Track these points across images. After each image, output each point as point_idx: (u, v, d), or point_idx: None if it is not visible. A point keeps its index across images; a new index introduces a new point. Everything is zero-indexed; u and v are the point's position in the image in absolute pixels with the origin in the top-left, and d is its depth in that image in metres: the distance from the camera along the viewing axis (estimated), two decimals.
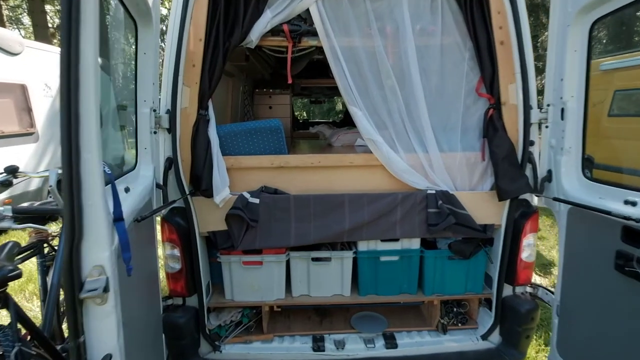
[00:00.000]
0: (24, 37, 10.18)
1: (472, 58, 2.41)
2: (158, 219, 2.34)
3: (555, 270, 3.99)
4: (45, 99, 6.42)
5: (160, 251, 2.36)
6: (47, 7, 12.14)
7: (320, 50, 2.48)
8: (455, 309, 2.58)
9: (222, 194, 2.28)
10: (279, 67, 4.32)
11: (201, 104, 2.31)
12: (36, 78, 6.22)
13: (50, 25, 12.24)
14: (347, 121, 4.49)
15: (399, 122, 2.42)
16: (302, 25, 2.43)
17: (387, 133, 2.42)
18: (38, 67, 6.30)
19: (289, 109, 5.16)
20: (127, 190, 1.78)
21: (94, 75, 1.11)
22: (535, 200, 2.39)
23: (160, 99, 2.28)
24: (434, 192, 2.36)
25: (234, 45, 2.32)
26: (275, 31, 2.42)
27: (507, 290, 2.40)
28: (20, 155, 5.66)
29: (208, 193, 2.28)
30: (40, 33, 10.78)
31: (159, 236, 2.31)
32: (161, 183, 2.24)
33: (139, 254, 1.82)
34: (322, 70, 5.59)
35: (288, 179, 2.43)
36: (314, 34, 2.41)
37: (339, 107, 13.33)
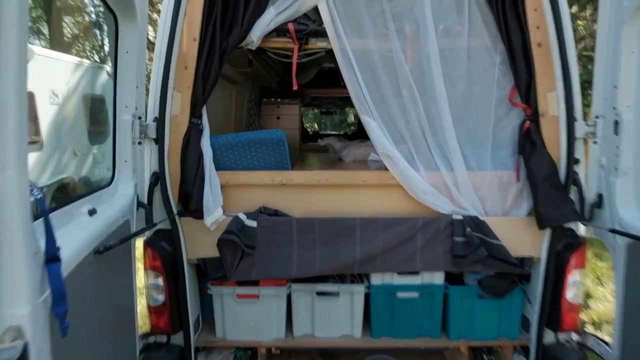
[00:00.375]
0: (43, 47, 10.24)
1: (504, 62, 2.08)
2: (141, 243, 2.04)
3: (594, 304, 3.56)
4: (51, 107, 6.28)
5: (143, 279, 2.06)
6: (66, 19, 12.27)
7: (330, 55, 2.19)
8: (485, 357, 2.20)
9: (214, 215, 1.98)
10: (287, 75, 4.06)
11: (194, 112, 2.03)
12: (44, 86, 6.09)
13: (67, 35, 12.37)
14: (359, 133, 4.18)
15: (419, 134, 2.09)
16: (309, 24, 2.15)
17: (405, 147, 2.10)
18: (46, 74, 6.18)
19: (297, 120, 4.88)
20: (92, 212, 1.49)
21: (15, 67, 0.83)
22: (582, 230, 2.03)
23: (147, 105, 2.01)
24: (460, 217, 2.02)
25: (233, 45, 2.04)
26: (280, 31, 2.14)
27: (549, 336, 2.02)
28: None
29: (198, 214, 1.98)
30: (57, 43, 10.85)
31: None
32: (145, 201, 1.95)
33: (105, 290, 1.51)
34: (334, 79, 5.32)
35: (291, 198, 2.12)
36: (323, 34, 2.13)
37: (351, 118, 13.07)
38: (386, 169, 2.09)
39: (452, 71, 2.07)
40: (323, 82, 5.18)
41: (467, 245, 1.99)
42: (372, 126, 2.07)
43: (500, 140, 2.11)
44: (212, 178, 2.03)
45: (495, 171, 2.07)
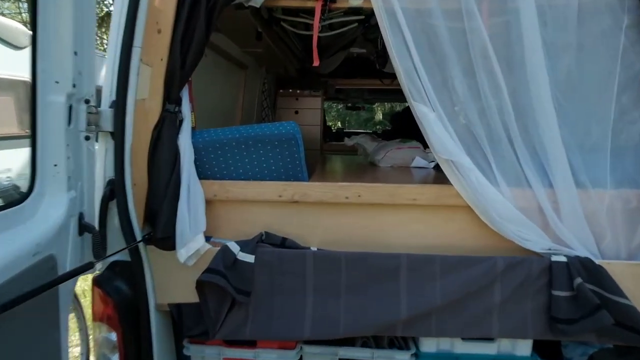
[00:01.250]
0: None
1: (635, 25, 1.36)
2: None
3: None
4: None
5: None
6: None
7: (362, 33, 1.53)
8: None
9: (192, 245, 1.35)
10: (308, 58, 3.39)
11: (169, 95, 1.41)
12: None
13: None
14: (395, 132, 3.47)
15: (501, 133, 1.40)
16: None
17: (478, 151, 1.42)
18: None
19: (319, 115, 4.23)
20: None
21: None
22: None
23: (102, 85, 1.39)
24: (564, 259, 1.32)
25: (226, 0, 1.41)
26: None
27: None
28: (15, 159, 5.05)
29: (167, 244, 1.36)
30: None
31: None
32: (95, 224, 1.34)
33: None
34: (362, 68, 4.65)
35: (305, 222, 1.47)
36: None
37: (379, 116, 12.28)
38: (447, 182, 1.41)
39: (554, 39, 1.37)
40: (350, 71, 4.51)
41: (576, 304, 1.29)
42: (430, 119, 1.39)
43: (626, 144, 1.39)
44: (193, 190, 1.40)
45: (618, 190, 1.36)
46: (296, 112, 4.21)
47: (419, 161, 2.07)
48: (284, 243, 1.44)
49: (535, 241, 1.37)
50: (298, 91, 4.19)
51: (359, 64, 4.47)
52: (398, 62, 1.40)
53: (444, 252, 1.39)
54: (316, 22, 1.54)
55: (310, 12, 1.78)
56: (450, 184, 1.40)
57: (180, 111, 1.44)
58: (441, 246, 1.42)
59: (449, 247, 1.42)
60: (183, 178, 1.38)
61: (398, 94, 5.57)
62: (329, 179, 1.71)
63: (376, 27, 2.42)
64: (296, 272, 1.38)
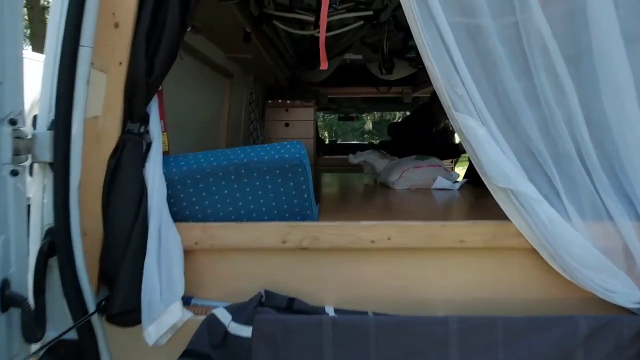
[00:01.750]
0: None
1: None
2: None
3: None
4: None
5: None
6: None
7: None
8: None
9: (164, 320, 0.97)
10: (300, 65, 3.07)
11: (131, 110, 1.05)
12: None
13: None
14: (397, 144, 3.13)
15: (570, 150, 1.08)
16: None
17: (541, 175, 1.09)
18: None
19: (312, 128, 3.90)
20: None
21: None
22: None
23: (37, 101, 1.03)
24: None
25: None
26: None
27: None
28: None
29: (130, 318, 0.98)
30: (39, 43, 10.01)
31: None
32: (29, 293, 0.96)
33: None
34: (356, 75, 4.35)
35: (318, 274, 1.11)
36: None
37: (368, 126, 12.02)
38: (495, 212, 1.08)
39: (636, 27, 1.06)
40: (343, 80, 4.21)
41: None
42: (479, 135, 1.06)
43: None
44: (165, 238, 1.03)
45: None
46: (286, 125, 3.87)
47: (441, 182, 1.74)
48: (291, 306, 1.08)
49: (624, 293, 1.04)
50: (288, 101, 3.85)
51: (353, 72, 4.18)
52: (434, 62, 1.07)
53: (502, 310, 1.06)
54: (324, 14, 1.20)
55: (306, 8, 1.45)
56: (508, 220, 1.07)
57: (147, 132, 1.08)
58: (498, 302, 1.09)
59: (508, 303, 1.08)
60: (152, 222, 1.01)
61: (395, 103, 5.33)
62: (342, 212, 1.36)
63: (384, 25, 2.14)
64: (310, 347, 1.02)
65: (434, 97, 2.96)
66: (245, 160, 1.07)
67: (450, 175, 1.80)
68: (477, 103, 1.07)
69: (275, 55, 2.66)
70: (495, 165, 1.05)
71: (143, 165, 1.05)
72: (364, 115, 8.89)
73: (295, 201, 1.11)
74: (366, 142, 5.98)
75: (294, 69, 3.43)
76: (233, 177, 1.08)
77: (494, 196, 1.09)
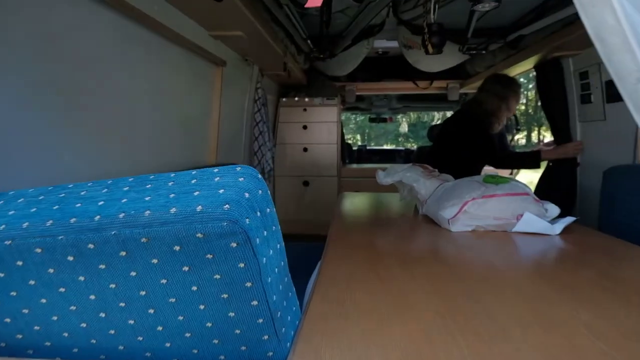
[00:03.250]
0: None
1: None
2: None
3: None
4: None
5: None
6: None
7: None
8: None
9: None
10: (321, 49, 2.41)
11: None
12: None
13: None
14: (444, 151, 2.35)
15: None
16: None
17: None
18: None
19: (336, 130, 3.23)
20: None
21: None
22: None
23: None
24: None
25: None
26: None
27: None
28: None
29: None
30: None
31: None
32: None
33: None
34: (389, 69, 3.65)
35: None
36: None
37: (404, 128, 11.11)
38: None
39: None
40: (373, 74, 3.52)
41: None
42: None
43: None
44: None
45: None
46: (304, 127, 3.23)
47: (531, 222, 1.03)
48: None
49: None
50: (307, 99, 3.21)
51: (386, 63, 3.48)
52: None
53: None
54: None
55: None
56: None
57: None
58: None
59: None
60: None
61: (437, 101, 4.51)
62: (350, 307, 0.68)
63: None
64: None
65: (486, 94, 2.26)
66: (105, 219, 0.42)
67: (543, 208, 1.09)
68: None
69: (279, 36, 2.03)
70: None
71: None
72: (399, 116, 8.07)
73: (234, 316, 0.45)
74: (401, 148, 5.18)
75: (312, 59, 2.78)
76: (61, 257, 0.43)
77: None
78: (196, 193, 0.41)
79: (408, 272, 0.80)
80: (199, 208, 0.39)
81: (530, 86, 9.02)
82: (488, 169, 3.18)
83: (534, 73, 2.52)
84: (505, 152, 2.11)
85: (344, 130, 4.11)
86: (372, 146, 6.07)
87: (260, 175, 0.47)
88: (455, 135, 2.11)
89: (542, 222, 1.05)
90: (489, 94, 2.04)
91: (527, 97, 10.91)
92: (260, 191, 0.45)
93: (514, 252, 0.99)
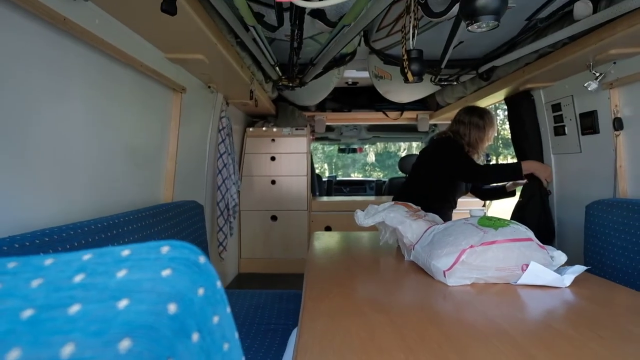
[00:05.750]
0: None
1: None
2: None
3: None
4: None
5: None
6: None
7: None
8: None
9: None
10: (290, 77, 2.27)
11: None
12: None
13: None
14: (417, 183, 2.19)
15: None
16: None
17: None
18: None
19: (306, 162, 3.08)
20: None
21: None
22: None
23: None
24: None
25: None
26: None
27: None
28: None
29: None
30: None
31: None
32: None
33: None
34: (360, 98, 3.58)
35: None
36: None
37: (371, 157, 11.14)
38: None
39: None
40: (343, 103, 3.43)
41: None
42: None
43: None
44: None
45: None
46: (272, 159, 3.04)
47: (538, 273, 0.88)
48: None
49: None
50: (275, 129, 3.05)
51: (355, 94, 3.41)
52: None
53: None
54: None
55: None
56: None
57: None
58: None
59: None
60: None
61: (407, 131, 4.47)
62: None
63: None
64: None
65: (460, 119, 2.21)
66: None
67: (548, 256, 0.95)
68: None
69: (245, 62, 1.87)
70: None
71: None
72: (366, 146, 8.09)
73: None
74: (372, 179, 5.06)
75: (280, 88, 2.65)
76: None
77: None
78: (73, 310, 0.22)
79: (403, 342, 0.62)
80: (67, 350, 0.20)
81: None
82: (466, 201, 3.10)
83: (500, 104, 2.52)
84: (485, 164, 2.02)
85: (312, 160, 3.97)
86: (341, 176, 5.95)
87: (202, 258, 0.28)
88: (434, 155, 2.04)
89: (550, 272, 0.91)
90: (466, 126, 1.98)
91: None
92: (201, 290, 0.26)
93: (522, 309, 0.84)
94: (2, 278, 0.25)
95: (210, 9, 1.29)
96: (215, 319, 0.28)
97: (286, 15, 1.50)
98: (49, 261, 0.27)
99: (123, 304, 0.22)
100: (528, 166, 1.94)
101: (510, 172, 1.96)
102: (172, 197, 1.73)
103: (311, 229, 3.03)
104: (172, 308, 0.23)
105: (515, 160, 2.27)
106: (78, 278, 0.25)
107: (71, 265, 0.26)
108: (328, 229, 3.05)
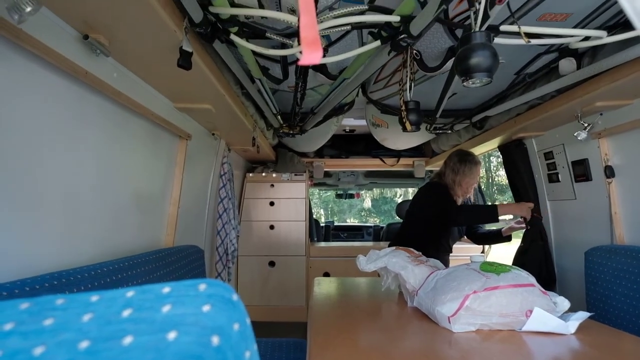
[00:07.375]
0: None
1: None
2: None
3: None
4: None
5: None
6: None
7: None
8: None
9: None
10: (291, 125, 2.36)
11: None
12: None
13: None
14: (414, 228, 2.21)
15: None
16: None
17: None
18: None
19: (304, 207, 3.10)
20: None
21: None
22: None
23: None
24: None
25: None
26: None
27: None
28: None
29: None
30: None
31: None
32: None
33: None
34: (357, 145, 3.69)
35: None
36: None
37: (367, 203, 11.19)
38: None
39: None
40: (341, 149, 3.53)
41: None
42: None
43: None
44: None
45: None
46: (271, 204, 3.07)
47: (543, 319, 0.89)
48: None
49: None
50: (274, 175, 3.10)
51: (353, 141, 3.52)
52: None
53: None
54: None
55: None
56: None
57: None
58: None
59: None
60: None
61: (404, 177, 4.56)
62: None
63: (407, 49, 1.46)
64: None
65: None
66: None
67: (551, 302, 0.95)
68: None
69: (249, 111, 1.96)
70: None
71: None
72: (362, 192, 8.17)
73: None
74: (370, 225, 5.08)
75: (281, 135, 2.74)
76: None
77: None
78: (126, 341, 0.24)
79: None
80: None
81: (483, 163, 9.56)
82: (465, 247, 3.09)
83: (495, 150, 2.60)
84: (462, 205, 2.05)
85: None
86: (337, 221, 5.95)
87: (235, 296, 0.30)
88: (421, 199, 2.12)
89: (554, 319, 0.91)
90: (447, 168, 2.08)
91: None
92: (236, 325, 0.28)
93: (528, 357, 0.83)
94: (54, 313, 0.27)
95: (220, 64, 1.38)
96: (247, 354, 0.29)
97: (291, 68, 1.60)
98: (95, 297, 0.29)
99: (172, 335, 0.24)
100: (505, 210, 1.94)
101: (486, 214, 1.95)
102: (173, 242, 1.73)
103: (309, 275, 2.99)
104: (215, 340, 0.25)
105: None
106: (126, 313, 0.27)
107: (117, 301, 0.28)
108: (326, 274, 3.02)
